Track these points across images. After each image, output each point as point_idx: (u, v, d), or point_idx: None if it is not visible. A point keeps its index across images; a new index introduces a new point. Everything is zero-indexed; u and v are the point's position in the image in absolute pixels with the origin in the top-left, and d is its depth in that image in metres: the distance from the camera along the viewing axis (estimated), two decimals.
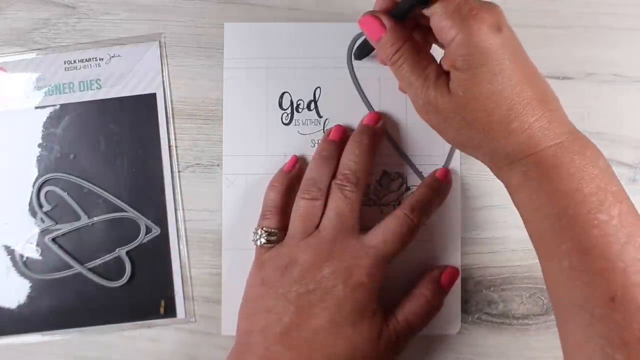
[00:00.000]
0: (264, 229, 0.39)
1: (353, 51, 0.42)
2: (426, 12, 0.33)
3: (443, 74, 0.33)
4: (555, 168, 0.31)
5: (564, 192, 0.30)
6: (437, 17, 0.32)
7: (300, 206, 0.39)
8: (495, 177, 0.35)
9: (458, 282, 0.42)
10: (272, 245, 0.39)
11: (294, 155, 0.42)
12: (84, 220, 0.42)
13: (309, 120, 0.43)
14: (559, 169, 0.31)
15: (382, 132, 0.42)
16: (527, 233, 0.33)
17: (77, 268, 0.42)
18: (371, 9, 0.35)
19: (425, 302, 0.39)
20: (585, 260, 0.29)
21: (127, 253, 0.42)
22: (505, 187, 0.34)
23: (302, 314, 0.37)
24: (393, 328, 0.38)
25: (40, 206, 0.42)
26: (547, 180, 0.31)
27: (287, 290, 0.37)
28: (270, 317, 0.37)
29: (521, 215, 0.33)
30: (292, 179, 0.41)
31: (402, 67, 0.34)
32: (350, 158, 0.39)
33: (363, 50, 0.41)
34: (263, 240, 0.39)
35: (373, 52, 0.41)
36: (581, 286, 0.29)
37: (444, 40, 0.32)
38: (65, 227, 0.42)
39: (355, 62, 0.43)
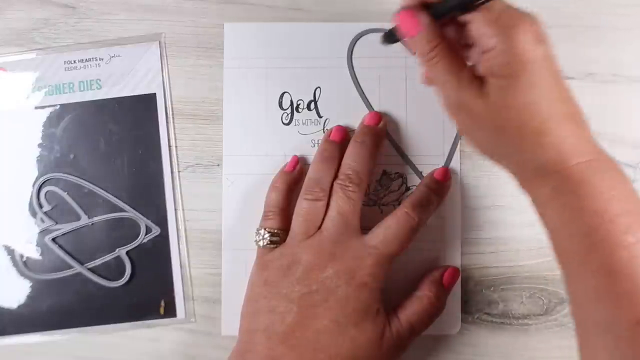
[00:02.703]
0: (266, 229, 0.39)
1: (383, 35, 0.40)
2: (465, 17, 0.33)
3: (477, 78, 0.33)
4: (585, 186, 0.31)
5: (593, 210, 0.30)
6: (478, 23, 0.32)
7: (303, 207, 0.39)
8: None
9: (458, 282, 0.42)
10: (275, 245, 0.39)
11: (295, 156, 0.42)
12: (84, 220, 0.42)
13: (309, 120, 0.43)
14: (588, 186, 0.30)
15: (384, 132, 0.42)
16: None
17: (77, 268, 0.42)
18: (405, 3, 0.34)
19: (428, 304, 0.39)
20: (612, 282, 0.29)
21: (127, 253, 0.42)
22: (532, 200, 0.34)
23: (305, 314, 0.37)
24: (396, 329, 0.38)
25: (40, 206, 0.42)
26: (576, 197, 0.31)
27: (290, 291, 0.37)
28: (273, 317, 0.37)
29: (547, 231, 0.33)
30: (293, 179, 0.41)
31: (437, 65, 0.34)
32: (353, 158, 0.39)
33: (393, 37, 0.39)
34: (266, 241, 0.39)
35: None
36: (607, 307, 0.29)
37: (483, 47, 0.32)
38: (65, 227, 0.42)
39: (355, 62, 0.43)
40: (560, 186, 0.31)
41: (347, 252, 0.37)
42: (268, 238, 0.39)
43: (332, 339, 0.36)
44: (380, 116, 0.42)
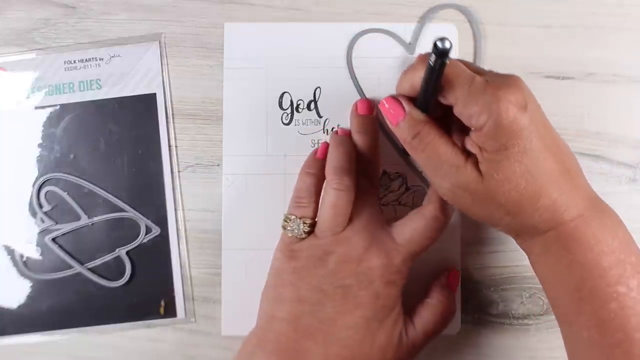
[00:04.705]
0: (301, 219, 0.38)
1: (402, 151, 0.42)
2: (447, 101, 0.33)
3: (470, 157, 0.33)
4: (576, 241, 0.31)
5: (583, 264, 0.31)
6: (463, 104, 0.32)
7: (331, 197, 0.37)
8: None
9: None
10: (307, 236, 0.38)
11: (325, 142, 0.40)
12: (84, 220, 0.42)
13: (309, 120, 0.43)
14: (579, 241, 0.31)
15: (376, 119, 0.41)
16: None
17: (77, 268, 0.42)
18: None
19: (444, 310, 0.39)
20: (604, 333, 0.30)
21: (127, 253, 0.42)
22: (527, 255, 0.35)
23: (337, 308, 0.36)
24: (411, 335, 0.38)
25: (40, 206, 0.42)
26: (567, 252, 0.32)
27: (322, 282, 0.36)
28: (302, 308, 0.36)
29: (541, 284, 0.34)
30: (324, 166, 0.39)
31: (424, 152, 0.34)
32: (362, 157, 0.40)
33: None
34: (300, 232, 0.37)
35: None
36: (600, 358, 0.30)
37: (473, 126, 0.32)
38: (65, 227, 0.42)
39: (355, 62, 0.43)
40: (552, 244, 0.32)
41: (380, 248, 0.37)
42: (303, 229, 0.37)
43: (358, 335, 0.35)
44: (371, 103, 0.41)
